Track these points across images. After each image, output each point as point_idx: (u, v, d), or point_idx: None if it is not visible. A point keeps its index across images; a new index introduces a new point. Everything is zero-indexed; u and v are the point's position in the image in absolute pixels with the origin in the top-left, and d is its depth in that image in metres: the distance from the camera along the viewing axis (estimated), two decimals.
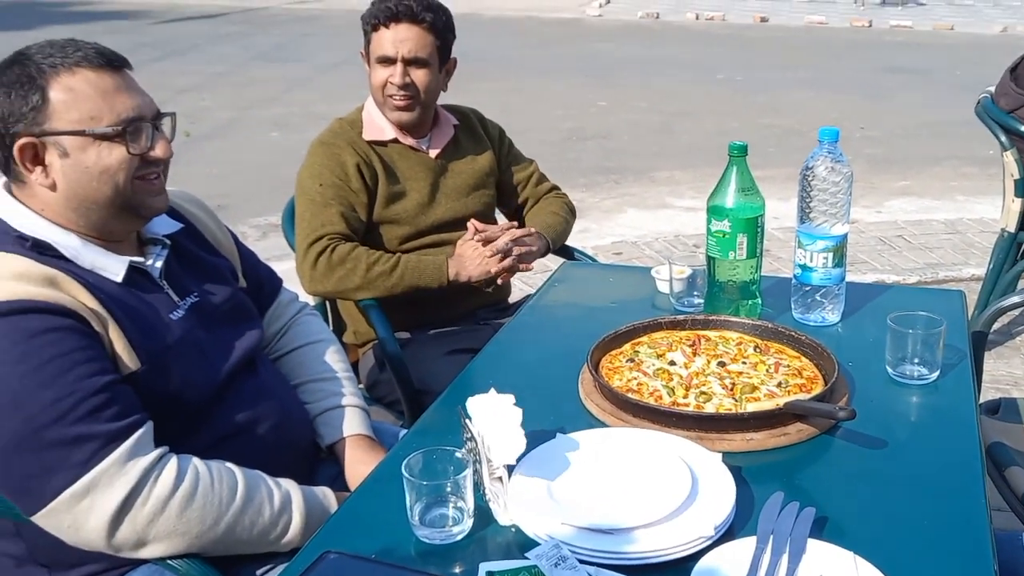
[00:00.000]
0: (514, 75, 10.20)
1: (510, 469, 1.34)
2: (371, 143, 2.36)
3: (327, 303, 2.50)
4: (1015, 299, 2.24)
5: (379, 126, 2.38)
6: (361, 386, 2.29)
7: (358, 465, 1.68)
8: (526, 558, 1.19)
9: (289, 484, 1.53)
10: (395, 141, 2.38)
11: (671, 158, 6.97)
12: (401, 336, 2.35)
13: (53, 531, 1.36)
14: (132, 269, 1.51)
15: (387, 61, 2.29)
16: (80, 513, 1.33)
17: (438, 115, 2.46)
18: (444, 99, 2.47)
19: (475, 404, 1.39)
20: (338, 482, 1.68)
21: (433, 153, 2.42)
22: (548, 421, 1.54)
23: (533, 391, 1.55)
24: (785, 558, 1.19)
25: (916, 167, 6.59)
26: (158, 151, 1.49)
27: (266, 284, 1.89)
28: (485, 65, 10.03)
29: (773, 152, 6.75)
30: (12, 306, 1.33)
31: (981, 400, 2.26)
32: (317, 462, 1.74)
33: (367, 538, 1.30)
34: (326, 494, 1.57)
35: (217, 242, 1.76)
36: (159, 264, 1.57)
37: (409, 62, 2.28)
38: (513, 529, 1.30)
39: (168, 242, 1.62)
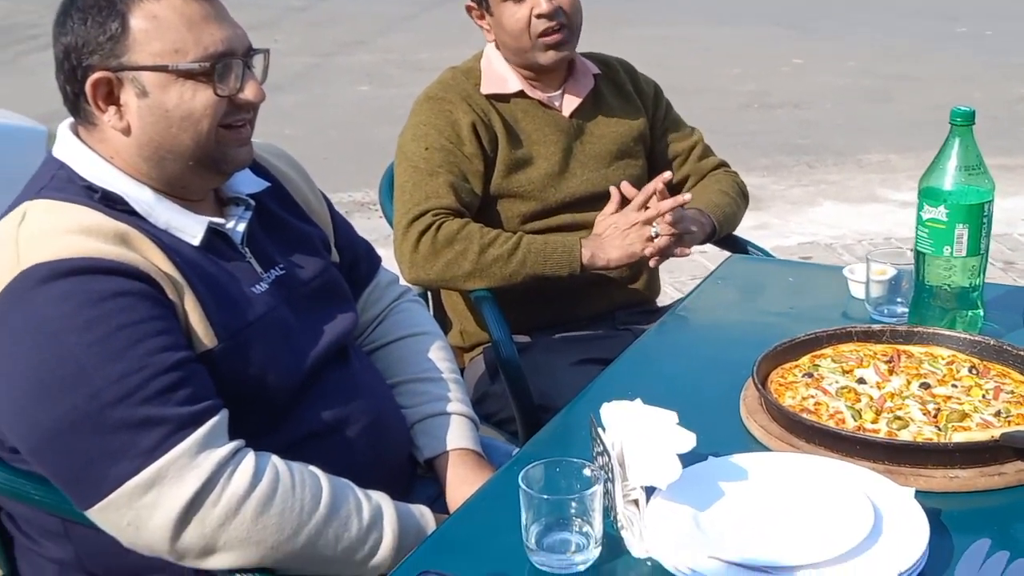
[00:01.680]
0: (675, 18, 10.28)
1: (648, 492, 1.48)
2: (490, 97, 2.53)
3: (429, 295, 2.68)
4: None
5: (501, 76, 2.54)
6: None
7: (462, 485, 1.83)
8: None
9: (381, 498, 1.70)
10: (521, 95, 2.54)
11: (886, 136, 6.97)
12: (520, 340, 2.50)
13: (110, 529, 1.55)
14: (211, 231, 1.70)
15: None
16: (143, 509, 1.52)
17: (574, 63, 2.60)
18: (580, 47, 2.61)
19: (611, 412, 1.53)
20: (438, 504, 1.83)
21: (567, 110, 2.57)
22: (700, 443, 1.65)
23: (682, 407, 1.66)
24: None
25: None
26: (248, 93, 1.67)
27: (363, 261, 2.07)
28: (634, 4, 10.13)
29: (994, 134, 6.67)
30: (79, 264, 1.52)
31: None
32: (413, 479, 1.91)
33: (472, 561, 1.45)
34: (423, 513, 1.73)
35: (309, 207, 1.94)
36: (241, 228, 1.76)
37: None
38: (649, 562, 1.42)
39: (252, 203, 1.81)
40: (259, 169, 1.86)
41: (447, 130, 2.47)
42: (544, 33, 2.46)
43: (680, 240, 2.45)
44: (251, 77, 1.69)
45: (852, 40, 9.63)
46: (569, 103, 2.58)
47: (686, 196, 2.45)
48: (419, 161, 2.46)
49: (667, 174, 2.47)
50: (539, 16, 2.44)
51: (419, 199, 2.42)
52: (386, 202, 2.63)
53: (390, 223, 2.53)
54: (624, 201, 2.47)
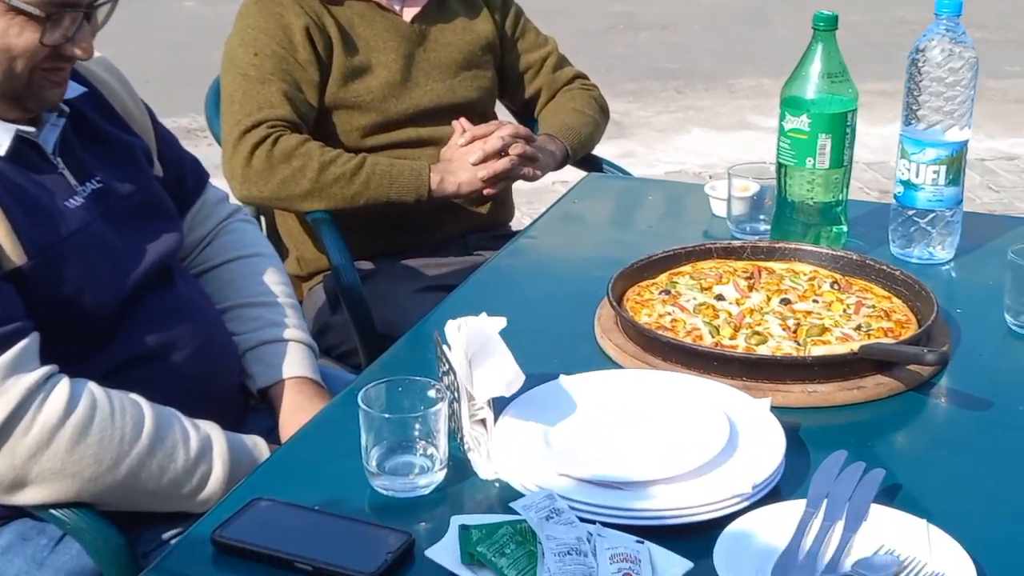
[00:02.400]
0: None
1: (497, 411, 1.52)
2: (324, 1, 2.52)
3: (263, 219, 2.66)
4: None
5: None
6: None
7: (298, 413, 1.85)
8: (513, 510, 1.36)
9: (210, 427, 1.71)
10: None
11: (759, 60, 7.08)
12: (363, 266, 2.52)
13: None
14: (19, 140, 1.68)
15: None
16: None
17: None
18: None
19: (456, 329, 1.56)
20: (272, 437, 1.85)
21: (408, 15, 2.58)
22: (552, 365, 1.70)
23: (535, 330, 1.71)
24: (840, 524, 1.35)
25: None
26: (77, 49, 1.66)
27: (189, 176, 2.05)
28: None
29: (875, 59, 6.85)
30: None
31: None
32: (246, 410, 1.92)
33: (308, 488, 1.47)
34: (256, 444, 1.75)
35: (130, 116, 1.92)
36: (53, 137, 1.74)
37: None
38: (497, 484, 1.47)
39: (67, 110, 1.78)
40: (75, 75, 1.83)
41: (278, 34, 2.46)
42: None
43: (526, 161, 2.49)
44: (86, 32, 1.67)
45: None
46: (411, 7, 2.58)
47: (522, 129, 2.50)
48: (249, 68, 2.44)
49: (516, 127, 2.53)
50: None
51: (251, 109, 2.40)
52: (212, 116, 2.61)
53: (218, 140, 2.51)
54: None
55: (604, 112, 2.78)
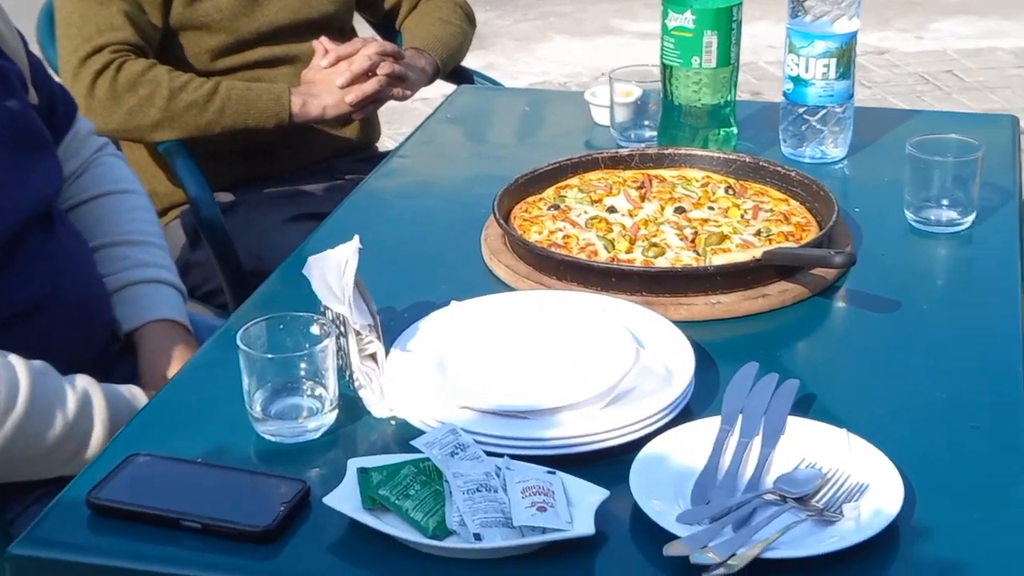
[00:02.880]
0: None
1: (388, 346, 1.48)
2: None
3: None
4: None
5: None
6: None
7: (160, 359, 1.80)
8: (414, 448, 1.33)
9: (87, 382, 1.65)
10: None
11: None
12: (223, 198, 2.45)
13: None
14: None
15: None
16: None
17: None
18: None
19: (334, 258, 1.51)
20: (138, 384, 1.79)
21: None
22: (441, 291, 1.68)
23: (418, 255, 1.68)
24: (758, 440, 1.36)
25: None
26: None
27: (60, 105, 1.96)
28: None
29: None
30: None
31: None
32: (113, 357, 1.85)
33: (189, 439, 1.42)
34: (135, 395, 1.70)
35: (3, 40, 1.82)
36: None
37: None
38: (392, 422, 1.44)
39: None
40: None
41: None
42: None
43: (394, 81, 2.44)
44: None
45: None
46: None
47: (387, 46, 2.45)
48: None
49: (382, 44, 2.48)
50: None
51: (90, 33, 2.31)
52: (47, 43, 2.50)
53: (54, 68, 2.41)
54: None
55: (471, 20, 2.73)
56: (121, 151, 2.30)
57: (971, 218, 1.86)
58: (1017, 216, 1.90)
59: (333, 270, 1.48)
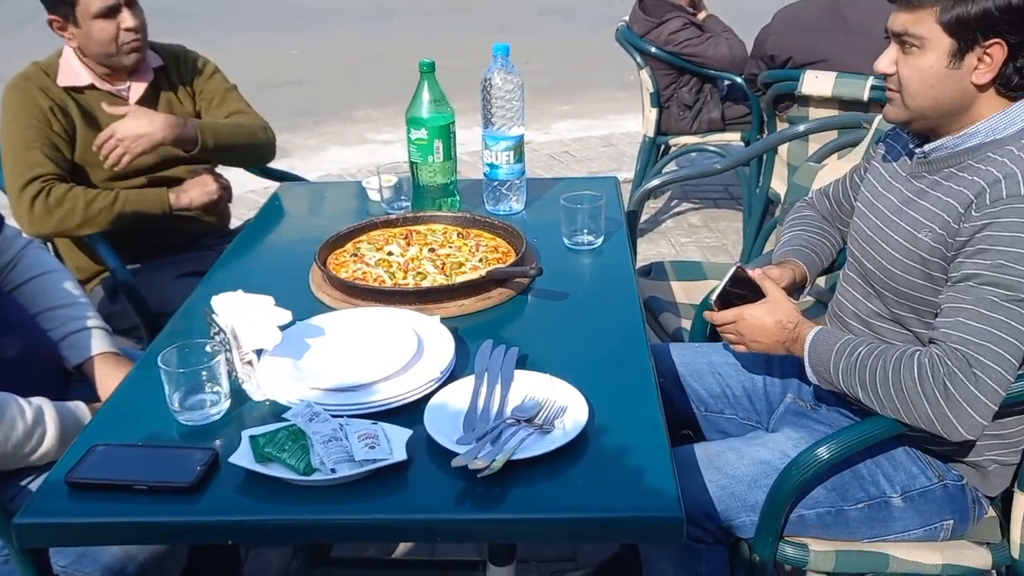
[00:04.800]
0: (202, 29, 9.67)
1: (259, 354, 1.39)
2: (67, 89, 2.21)
3: (48, 243, 2.34)
4: (655, 181, 2.54)
5: (75, 71, 2.22)
6: None
7: (109, 380, 1.63)
8: (284, 419, 1.25)
9: (40, 400, 1.48)
10: (92, 87, 2.24)
11: (365, 98, 6.98)
12: (132, 266, 2.25)
13: None
14: None
15: (111, 12, 2.15)
16: None
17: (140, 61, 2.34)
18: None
19: (220, 301, 1.41)
20: (93, 399, 1.62)
21: (134, 98, 2.29)
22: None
23: (269, 291, 1.56)
24: (498, 387, 1.33)
25: (575, 93, 7.05)
26: None
27: None
28: (169, 22, 9.43)
29: (453, 88, 6.93)
30: None
31: (639, 267, 2.56)
32: (68, 384, 1.67)
33: (132, 431, 1.30)
34: (79, 407, 1.53)
35: None
36: None
37: (129, 3, 2.18)
38: (268, 403, 1.35)
39: None
40: None
41: (34, 111, 2.13)
42: (129, 42, 2.19)
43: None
44: None
45: (327, 35, 9.53)
46: (135, 91, 2.30)
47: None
48: (16, 139, 2.11)
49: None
50: (127, 30, 2.18)
51: (23, 169, 2.09)
52: None
53: (4, 191, 2.17)
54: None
55: (264, 129, 2.43)
56: (45, 244, 2.12)
57: (601, 239, 1.88)
58: (626, 236, 1.94)
59: (233, 307, 1.38)
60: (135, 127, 2.12)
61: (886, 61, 1.44)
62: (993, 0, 1.32)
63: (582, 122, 6.23)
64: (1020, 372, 1.33)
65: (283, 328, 1.45)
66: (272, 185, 2.51)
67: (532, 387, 1.34)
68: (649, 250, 4.03)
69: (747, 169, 3.61)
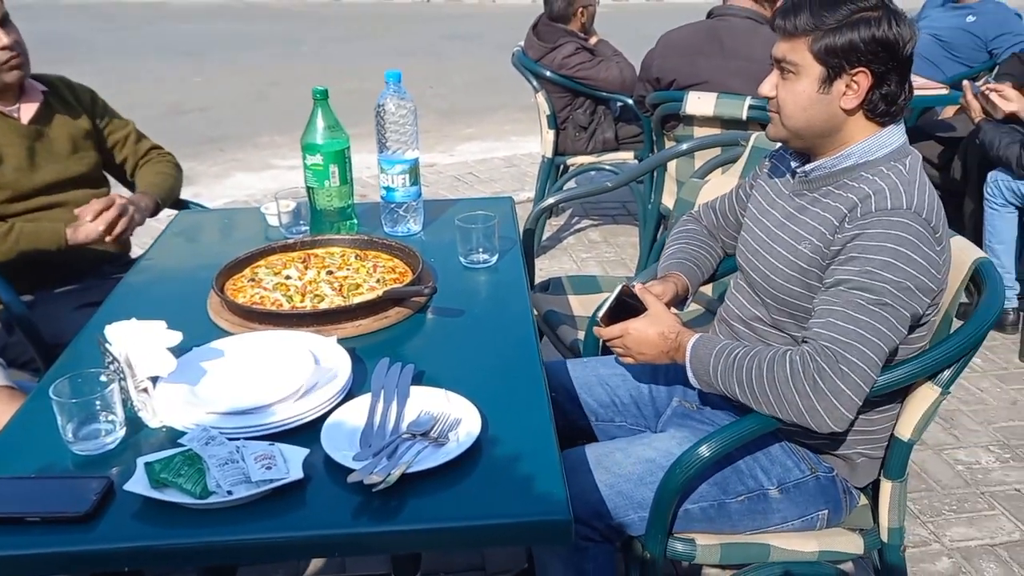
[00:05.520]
0: (104, 58, 9.42)
1: (154, 380, 1.37)
2: None
3: None
4: (550, 200, 2.59)
5: None
6: None
7: (4, 413, 1.59)
8: (180, 444, 1.24)
9: None
10: None
11: (270, 124, 6.90)
12: (26, 299, 2.18)
13: None
14: None
15: None
16: None
17: (23, 84, 2.30)
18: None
19: (113, 330, 1.39)
20: None
21: (25, 119, 2.25)
22: (183, 342, 1.56)
23: (167, 319, 1.55)
24: (394, 404, 1.35)
25: (478, 116, 7.12)
26: None
27: None
28: (71, 51, 9.16)
29: (361, 111, 6.90)
30: None
31: (538, 282, 2.61)
32: None
33: (26, 463, 1.26)
34: None
35: None
36: None
37: (2, 22, 2.13)
38: (164, 429, 1.33)
39: None
40: None
41: None
42: (7, 60, 2.15)
43: (133, 220, 2.24)
44: None
45: (234, 63, 9.40)
46: (26, 112, 2.25)
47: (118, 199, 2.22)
48: None
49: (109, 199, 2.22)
50: (2, 48, 2.14)
51: None
52: None
53: None
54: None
55: (179, 168, 2.57)
56: None
57: (496, 257, 1.91)
58: (520, 253, 1.98)
59: (127, 335, 1.36)
60: None
61: (768, 85, 1.53)
62: (858, 32, 1.41)
63: (486, 144, 6.30)
64: (885, 369, 1.41)
65: (179, 354, 1.45)
66: (173, 213, 2.47)
67: (427, 402, 1.35)
68: (552, 266, 4.09)
69: (642, 186, 3.71)
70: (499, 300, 1.78)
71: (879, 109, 1.47)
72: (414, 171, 2.03)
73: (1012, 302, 3.36)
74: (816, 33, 1.44)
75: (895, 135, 1.50)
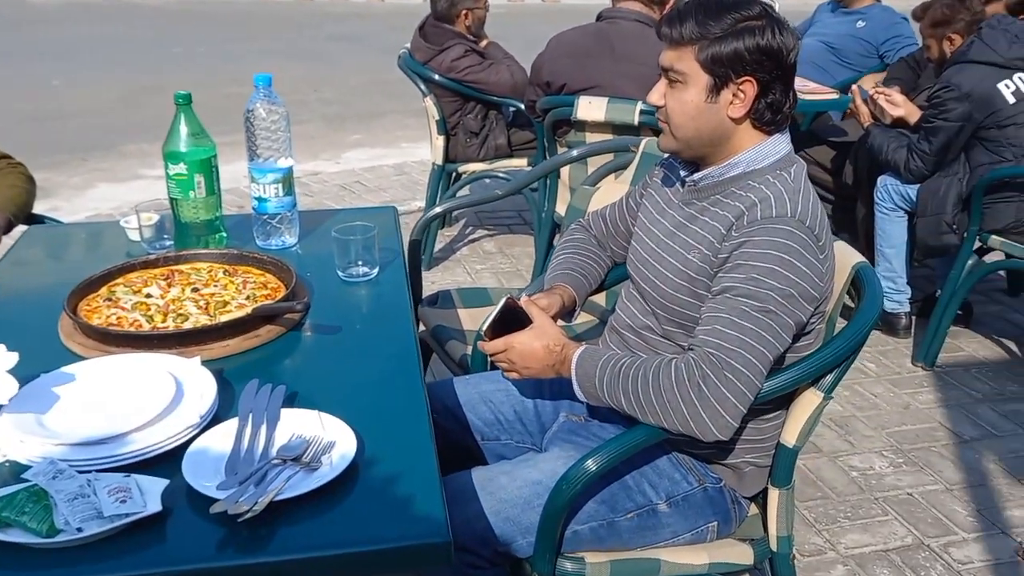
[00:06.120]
0: None
1: None
2: None
3: None
4: (436, 210, 2.61)
5: None
6: None
7: None
8: (24, 480, 1.20)
9: None
10: None
11: (140, 132, 6.70)
12: None
13: None
14: None
15: None
16: None
17: None
18: None
19: None
20: None
21: None
22: (31, 367, 1.50)
23: (11, 345, 1.49)
24: (264, 428, 1.33)
25: (366, 122, 7.09)
26: None
27: None
28: None
29: (238, 120, 6.79)
30: None
31: (426, 296, 2.61)
32: None
33: None
34: None
35: None
36: None
37: None
38: (7, 464, 1.28)
39: None
40: None
41: None
42: None
43: None
44: None
45: (102, 65, 9.11)
46: None
47: None
48: None
49: None
50: None
51: None
52: None
53: None
54: None
55: (31, 180, 2.48)
56: None
57: (376, 270, 1.91)
58: (403, 265, 1.98)
59: None
60: None
61: (656, 95, 1.58)
62: (743, 41, 1.48)
63: (375, 151, 6.27)
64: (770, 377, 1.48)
65: (26, 381, 1.40)
66: (24, 229, 2.38)
67: (300, 425, 1.34)
68: (444, 278, 4.11)
69: (536, 194, 3.76)
70: (380, 315, 1.78)
71: (765, 118, 1.54)
72: (287, 180, 2.02)
73: (904, 306, 3.54)
74: (702, 42, 1.50)
75: (781, 144, 1.58)
